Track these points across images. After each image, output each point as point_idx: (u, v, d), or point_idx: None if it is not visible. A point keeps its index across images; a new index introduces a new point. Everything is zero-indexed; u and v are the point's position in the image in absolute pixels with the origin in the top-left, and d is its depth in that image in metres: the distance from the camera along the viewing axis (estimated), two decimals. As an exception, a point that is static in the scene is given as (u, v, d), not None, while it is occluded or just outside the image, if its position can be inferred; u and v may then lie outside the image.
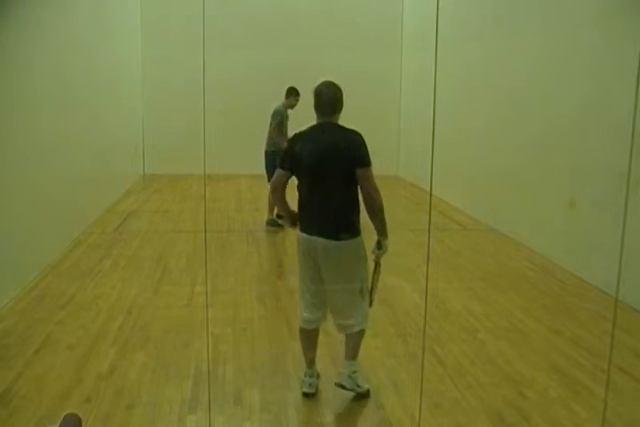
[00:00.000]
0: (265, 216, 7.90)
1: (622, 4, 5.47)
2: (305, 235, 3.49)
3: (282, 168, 3.54)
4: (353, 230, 3.46)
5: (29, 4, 5.59)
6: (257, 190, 10.57)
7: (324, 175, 3.41)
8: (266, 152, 7.83)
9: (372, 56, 12.10)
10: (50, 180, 6.18)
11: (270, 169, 7.67)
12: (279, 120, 7.70)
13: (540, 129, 6.85)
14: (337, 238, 3.40)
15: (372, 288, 3.60)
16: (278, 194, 3.58)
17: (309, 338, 3.72)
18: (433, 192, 8.94)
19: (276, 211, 7.87)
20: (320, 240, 3.41)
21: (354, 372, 3.56)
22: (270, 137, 7.79)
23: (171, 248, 6.85)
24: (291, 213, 3.63)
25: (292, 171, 3.50)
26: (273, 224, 7.76)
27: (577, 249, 6.06)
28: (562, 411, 3.52)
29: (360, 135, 3.42)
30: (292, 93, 7.95)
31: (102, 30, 8.75)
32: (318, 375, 3.75)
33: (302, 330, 3.71)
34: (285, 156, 3.57)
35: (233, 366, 4.02)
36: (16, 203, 5.28)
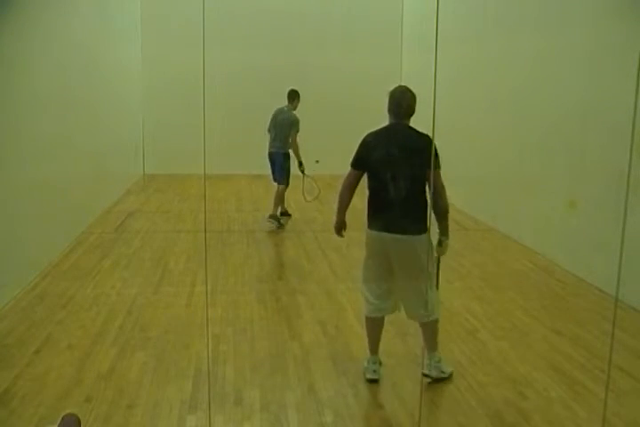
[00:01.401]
0: (266, 214, 7.94)
1: (622, 4, 5.47)
2: (376, 232, 3.69)
3: (354, 167, 3.74)
4: (422, 227, 3.58)
5: (29, 5, 5.59)
6: (257, 190, 10.58)
7: (396, 175, 3.55)
8: (279, 154, 7.89)
9: (372, 56, 12.11)
10: (50, 180, 6.17)
11: (283, 171, 7.84)
12: (299, 129, 7.82)
13: (541, 129, 6.85)
14: (408, 234, 3.56)
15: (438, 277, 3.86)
16: (349, 193, 3.81)
17: (375, 326, 3.90)
18: (433, 192, 8.93)
19: (280, 209, 7.94)
20: (392, 236, 3.60)
21: (437, 361, 3.81)
22: (286, 141, 7.84)
23: (171, 248, 6.85)
24: (343, 219, 3.88)
25: (365, 170, 3.68)
26: (274, 219, 7.79)
27: (577, 249, 6.06)
28: (562, 411, 3.52)
29: (430, 138, 3.48)
30: (296, 96, 7.98)
31: (102, 30, 8.75)
32: (380, 363, 3.91)
33: (368, 318, 3.91)
34: (358, 156, 3.74)
35: (233, 366, 4.02)
36: (16, 203, 5.28)
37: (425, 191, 3.60)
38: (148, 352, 4.19)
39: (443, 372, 3.82)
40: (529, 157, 7.09)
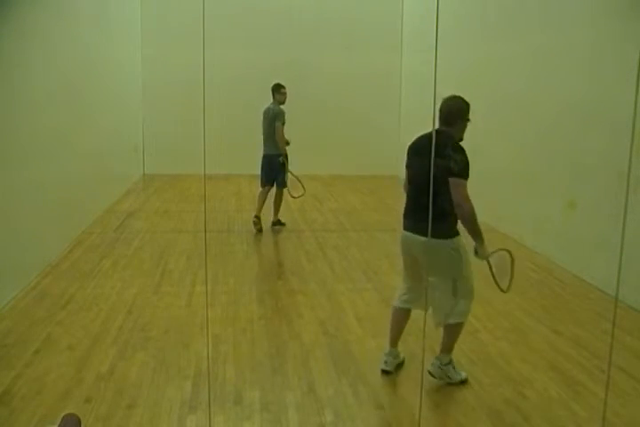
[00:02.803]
0: (271, 218, 7.86)
1: (622, 4, 5.47)
2: (404, 231, 3.83)
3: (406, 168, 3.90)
4: (445, 232, 3.63)
5: (29, 5, 5.59)
6: (257, 190, 10.56)
7: (424, 179, 3.58)
8: (271, 156, 7.61)
9: (372, 56, 12.12)
10: (50, 180, 6.18)
11: (283, 175, 7.58)
12: (284, 121, 7.53)
13: (541, 129, 6.85)
14: (432, 237, 3.53)
15: (495, 280, 3.78)
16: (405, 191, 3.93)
17: (398, 317, 3.96)
18: (433, 192, 8.93)
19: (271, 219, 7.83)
20: (416, 237, 3.68)
21: (445, 364, 3.80)
22: (275, 139, 7.52)
23: (171, 248, 6.85)
24: None
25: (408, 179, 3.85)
26: (279, 224, 7.80)
27: (577, 249, 6.06)
28: (562, 411, 3.52)
29: (460, 148, 3.66)
30: (277, 89, 7.66)
31: (102, 30, 8.75)
32: (397, 356, 3.98)
33: (394, 308, 3.98)
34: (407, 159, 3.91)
35: (233, 366, 4.02)
36: (16, 203, 5.28)
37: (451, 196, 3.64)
38: (148, 352, 4.19)
39: (449, 377, 3.81)
40: (529, 156, 7.09)
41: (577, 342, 4.44)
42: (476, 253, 3.73)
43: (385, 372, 3.94)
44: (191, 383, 3.75)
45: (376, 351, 4.27)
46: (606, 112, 5.59)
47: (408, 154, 3.91)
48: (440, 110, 3.77)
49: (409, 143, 3.97)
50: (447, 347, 3.83)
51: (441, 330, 3.83)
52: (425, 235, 3.56)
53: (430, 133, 3.72)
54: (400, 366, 4.01)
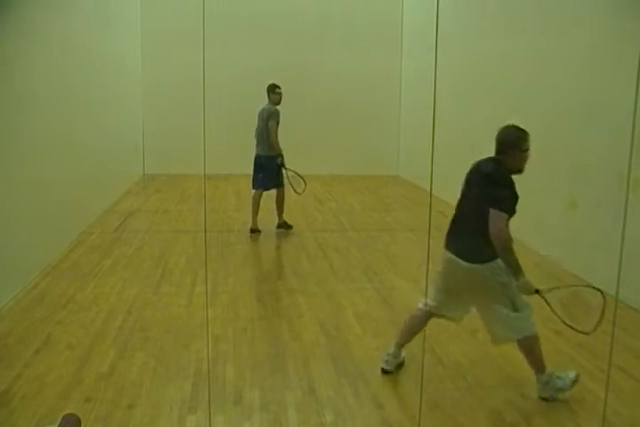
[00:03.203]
0: (275, 219, 7.75)
1: (622, 3, 5.47)
2: (447, 252, 3.77)
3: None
4: (488, 254, 3.56)
5: (29, 5, 5.59)
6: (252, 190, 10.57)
7: (468, 203, 3.70)
8: (266, 157, 7.46)
9: (372, 56, 12.12)
10: (50, 180, 6.18)
11: (278, 176, 7.44)
12: (279, 120, 7.40)
13: (541, 129, 6.83)
14: (468, 261, 3.63)
15: (561, 318, 3.55)
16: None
17: (417, 321, 3.92)
18: (433, 192, 8.94)
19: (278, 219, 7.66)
20: (459, 262, 3.67)
21: (546, 382, 3.66)
22: (269, 140, 7.38)
23: (171, 248, 6.85)
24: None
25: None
26: (284, 226, 7.67)
27: (577, 249, 6.06)
28: (562, 411, 3.52)
29: (510, 180, 3.53)
30: (271, 90, 7.52)
31: (102, 30, 8.75)
32: (398, 356, 3.97)
33: (418, 311, 3.93)
34: None
35: (233, 366, 4.02)
36: (16, 203, 5.28)
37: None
38: (148, 352, 4.19)
39: (560, 389, 3.66)
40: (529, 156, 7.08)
41: (577, 342, 4.43)
42: (517, 287, 3.56)
43: (385, 371, 3.94)
44: (191, 383, 3.75)
45: (376, 351, 4.27)
46: (606, 112, 5.58)
47: (465, 180, 3.77)
48: (495, 139, 3.67)
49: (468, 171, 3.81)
50: (536, 366, 3.69)
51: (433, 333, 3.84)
52: (468, 260, 3.61)
53: (485, 160, 3.67)
54: (400, 366, 4.01)
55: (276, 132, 7.37)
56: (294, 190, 7.58)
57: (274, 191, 7.66)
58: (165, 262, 6.31)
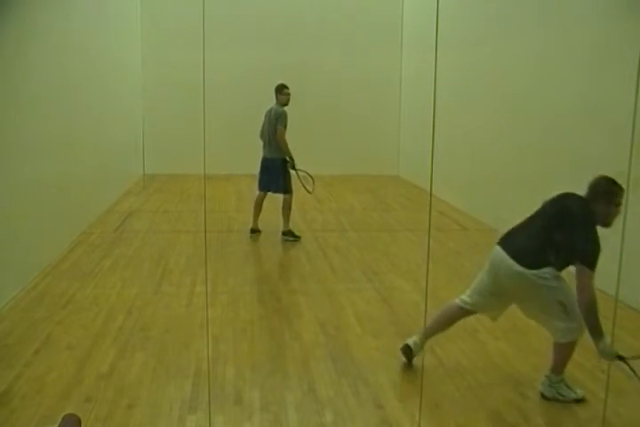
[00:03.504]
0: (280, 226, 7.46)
1: (622, 3, 5.47)
2: (499, 248, 3.69)
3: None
4: (540, 262, 3.52)
5: (29, 5, 5.59)
6: (257, 191, 10.57)
7: (541, 230, 3.60)
8: (271, 159, 7.29)
9: (372, 56, 12.12)
10: (50, 180, 6.18)
11: (284, 180, 7.24)
12: (286, 123, 7.16)
13: (541, 129, 6.85)
14: (517, 262, 3.54)
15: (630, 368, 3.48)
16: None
17: (454, 314, 3.91)
18: (433, 192, 8.95)
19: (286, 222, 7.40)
20: (502, 255, 3.61)
21: (555, 382, 3.65)
22: (275, 142, 7.19)
23: (171, 248, 6.85)
24: None
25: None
26: (290, 235, 7.32)
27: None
28: (562, 411, 3.52)
29: (596, 233, 3.43)
30: (279, 90, 7.29)
31: (102, 30, 8.75)
32: (421, 347, 3.93)
33: (456, 305, 3.90)
34: None
35: (233, 366, 4.02)
36: (16, 203, 5.28)
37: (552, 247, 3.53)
38: (148, 352, 4.19)
39: (561, 395, 3.64)
40: (529, 156, 7.09)
41: (577, 342, 4.43)
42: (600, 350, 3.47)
43: (406, 350, 3.93)
44: (191, 383, 3.75)
45: (376, 351, 4.27)
46: (606, 112, 5.58)
47: (543, 207, 3.71)
48: (589, 187, 3.64)
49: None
50: (559, 366, 3.66)
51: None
52: (511, 256, 3.55)
53: (576, 199, 3.58)
54: (412, 357, 3.98)
55: (284, 136, 7.14)
56: (306, 190, 7.44)
57: (278, 194, 7.44)
58: (165, 262, 6.31)
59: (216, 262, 6.30)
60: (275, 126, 7.18)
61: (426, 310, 4.05)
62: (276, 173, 7.28)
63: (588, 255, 3.38)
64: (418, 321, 4.72)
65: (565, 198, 3.64)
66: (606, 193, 3.52)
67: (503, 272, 3.62)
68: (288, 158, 7.24)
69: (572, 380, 3.88)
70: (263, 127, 7.44)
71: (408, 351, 3.97)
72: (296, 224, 7.98)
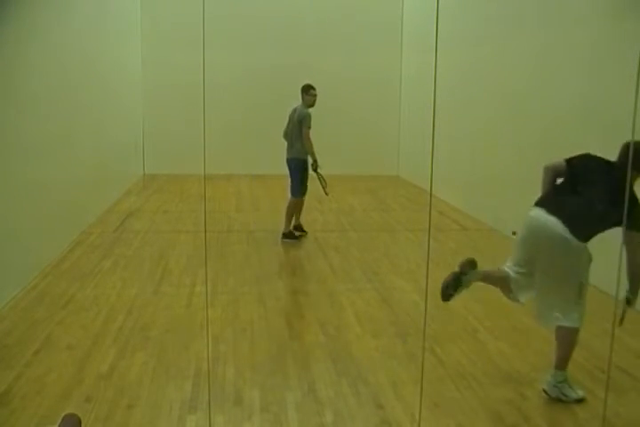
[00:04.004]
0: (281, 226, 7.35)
1: (622, 3, 5.47)
2: (539, 210, 3.60)
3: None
4: (584, 235, 3.49)
5: (29, 5, 5.59)
6: (257, 190, 10.59)
7: (594, 192, 3.54)
8: (291, 159, 7.23)
9: (372, 56, 12.12)
10: (50, 180, 6.18)
11: (302, 182, 7.19)
12: (310, 125, 7.06)
13: (541, 129, 6.85)
14: (566, 226, 3.47)
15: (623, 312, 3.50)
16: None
17: (499, 276, 3.87)
18: (433, 192, 8.94)
19: (293, 223, 7.36)
20: (549, 222, 3.51)
21: (559, 382, 3.61)
22: (301, 143, 7.11)
23: (171, 248, 6.85)
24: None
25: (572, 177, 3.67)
26: (290, 237, 7.24)
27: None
28: (562, 411, 3.52)
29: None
30: (305, 90, 7.18)
31: (102, 31, 8.75)
32: (469, 282, 3.84)
33: (504, 272, 3.82)
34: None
35: (233, 366, 4.02)
36: (16, 203, 5.28)
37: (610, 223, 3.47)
38: (148, 352, 4.19)
39: (564, 395, 3.60)
40: (529, 156, 7.09)
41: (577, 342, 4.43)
42: (627, 303, 3.49)
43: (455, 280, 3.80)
44: (191, 383, 3.75)
45: (376, 351, 4.28)
46: (606, 112, 5.58)
47: (584, 166, 3.68)
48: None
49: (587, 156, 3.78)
50: (562, 361, 3.62)
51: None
52: (570, 229, 3.44)
53: (617, 168, 3.54)
54: (459, 288, 3.84)
55: (309, 137, 7.05)
56: (324, 192, 7.34)
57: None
58: (165, 262, 6.31)
59: (216, 262, 6.30)
60: (298, 128, 7.10)
61: (426, 310, 4.04)
62: (294, 173, 7.23)
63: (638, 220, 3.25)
64: (417, 321, 4.72)
65: (610, 168, 3.57)
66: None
67: (546, 234, 3.54)
68: (312, 160, 7.14)
69: (572, 380, 3.88)
70: (287, 128, 7.35)
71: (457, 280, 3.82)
72: (296, 224, 7.97)
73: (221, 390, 3.68)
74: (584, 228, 3.48)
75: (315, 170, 7.17)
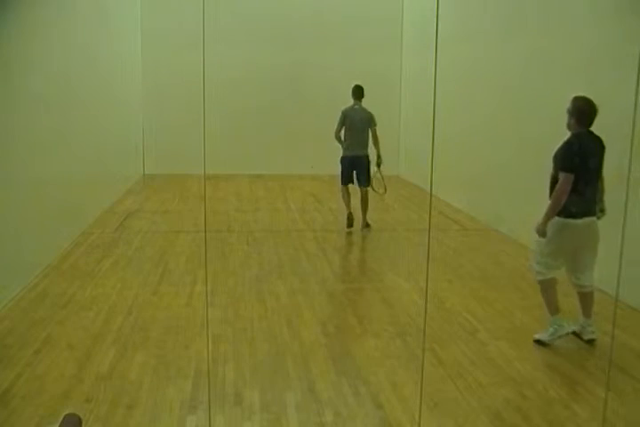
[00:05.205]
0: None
1: (622, 4, 5.46)
2: (574, 221, 4.24)
3: (570, 172, 4.33)
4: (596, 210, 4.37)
5: (29, 5, 5.59)
6: (257, 190, 10.58)
7: (596, 172, 4.38)
8: (363, 157, 7.92)
9: (372, 56, 12.10)
10: (50, 180, 6.18)
11: (369, 173, 7.88)
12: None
13: (540, 129, 6.85)
14: (593, 215, 4.32)
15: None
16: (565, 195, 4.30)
17: (553, 284, 4.39)
18: (433, 192, 8.94)
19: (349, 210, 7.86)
20: (584, 220, 4.24)
21: (589, 325, 4.35)
22: (367, 142, 7.88)
23: (171, 248, 6.85)
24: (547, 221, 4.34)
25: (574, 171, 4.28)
26: (367, 226, 7.84)
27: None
28: (562, 411, 3.52)
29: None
30: (363, 91, 8.09)
31: (102, 31, 8.75)
32: (563, 326, 4.35)
33: (547, 279, 4.39)
34: (572, 159, 4.35)
35: (233, 366, 4.02)
36: (17, 203, 5.28)
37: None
38: (148, 352, 4.19)
39: (593, 332, 4.31)
40: (529, 156, 7.09)
41: (577, 342, 4.43)
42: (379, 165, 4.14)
43: (539, 343, 4.35)
44: (191, 383, 3.75)
45: (376, 351, 4.27)
46: (606, 112, 5.57)
47: (576, 155, 4.32)
48: (580, 109, 4.32)
49: (573, 146, 4.39)
50: (590, 312, 4.35)
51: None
52: (591, 215, 4.28)
53: (593, 135, 4.33)
54: (564, 337, 4.38)
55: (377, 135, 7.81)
56: (376, 191, 8.05)
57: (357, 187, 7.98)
58: (165, 262, 6.31)
59: (216, 262, 6.30)
60: (366, 127, 7.81)
61: (426, 310, 4.05)
62: (366, 168, 7.91)
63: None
64: (417, 321, 4.72)
65: (599, 142, 4.39)
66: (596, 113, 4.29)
67: (586, 230, 4.26)
68: (378, 157, 7.87)
69: (572, 380, 3.89)
70: (345, 127, 7.89)
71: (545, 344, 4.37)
72: (296, 224, 7.99)
73: (221, 390, 3.68)
74: (595, 206, 4.33)
75: (378, 166, 7.92)
